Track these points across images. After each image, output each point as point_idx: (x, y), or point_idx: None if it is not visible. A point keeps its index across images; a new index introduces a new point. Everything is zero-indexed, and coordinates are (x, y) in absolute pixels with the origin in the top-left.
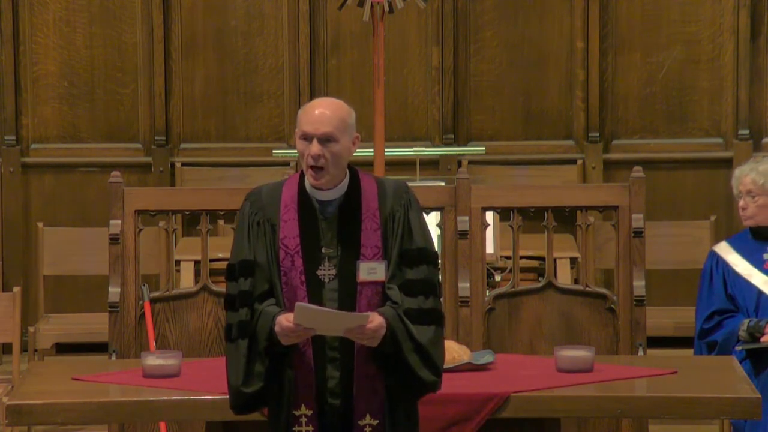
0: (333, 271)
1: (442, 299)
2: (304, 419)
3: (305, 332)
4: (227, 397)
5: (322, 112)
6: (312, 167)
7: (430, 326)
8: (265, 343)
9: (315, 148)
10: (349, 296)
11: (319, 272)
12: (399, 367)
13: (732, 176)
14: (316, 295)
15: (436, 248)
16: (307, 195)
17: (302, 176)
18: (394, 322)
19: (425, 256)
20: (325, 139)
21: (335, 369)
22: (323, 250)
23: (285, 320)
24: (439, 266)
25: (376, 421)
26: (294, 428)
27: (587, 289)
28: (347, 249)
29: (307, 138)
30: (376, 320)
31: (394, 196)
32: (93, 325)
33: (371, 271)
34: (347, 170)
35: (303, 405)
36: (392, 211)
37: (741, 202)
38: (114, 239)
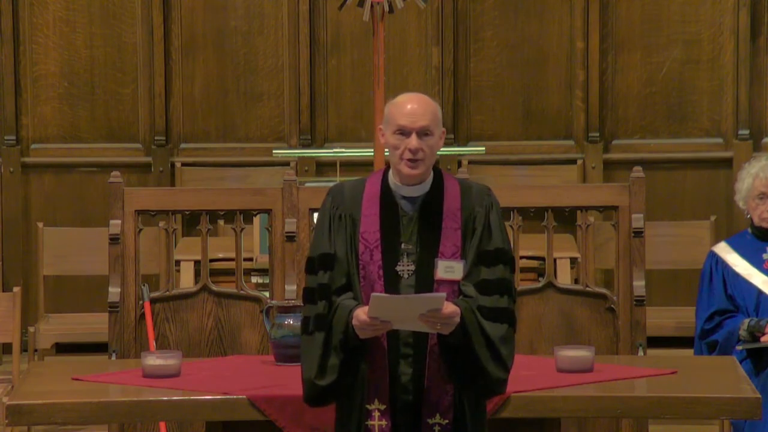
0: (411, 267)
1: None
2: (377, 413)
3: (382, 326)
4: (227, 397)
5: (418, 105)
6: (409, 159)
7: (503, 324)
8: (341, 336)
9: (414, 141)
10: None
11: (398, 267)
12: (468, 362)
13: (744, 177)
14: (392, 290)
15: None
16: (390, 191)
17: (386, 173)
18: (467, 314)
19: (502, 256)
20: (423, 133)
21: (408, 365)
22: (402, 246)
23: (363, 314)
24: (515, 269)
25: (446, 421)
26: (367, 422)
27: (587, 289)
28: (426, 246)
29: (404, 132)
30: (450, 307)
31: (477, 198)
32: (93, 325)
33: (449, 269)
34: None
35: (376, 399)
36: (473, 212)
37: None
38: (114, 239)
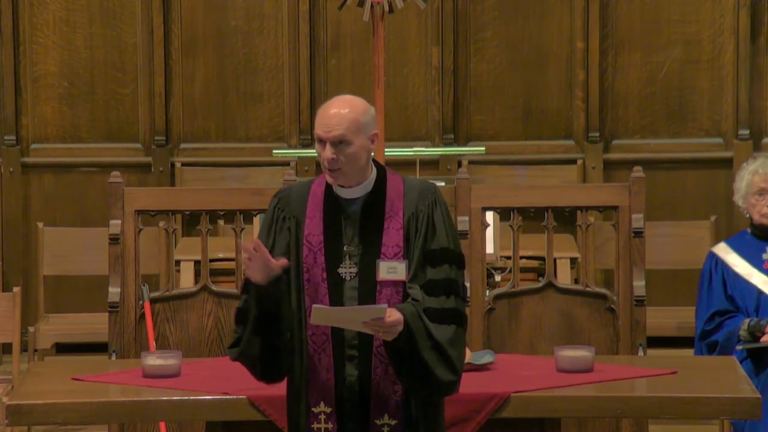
0: (354, 269)
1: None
2: (323, 416)
3: (258, 256)
4: (227, 397)
5: (336, 113)
6: (329, 169)
7: (450, 326)
8: (255, 307)
9: (328, 151)
10: (369, 295)
11: (340, 270)
12: (415, 365)
13: (743, 175)
14: (336, 293)
15: None
16: (333, 193)
17: None
18: (412, 319)
19: (448, 256)
20: (338, 142)
21: (354, 368)
22: (345, 248)
23: (248, 243)
24: (464, 267)
25: (395, 422)
26: (313, 425)
27: (587, 289)
28: (368, 247)
29: (321, 141)
30: (393, 315)
31: (420, 196)
32: (93, 325)
33: (391, 270)
34: (374, 168)
35: (322, 402)
36: (416, 211)
37: None
38: (114, 239)
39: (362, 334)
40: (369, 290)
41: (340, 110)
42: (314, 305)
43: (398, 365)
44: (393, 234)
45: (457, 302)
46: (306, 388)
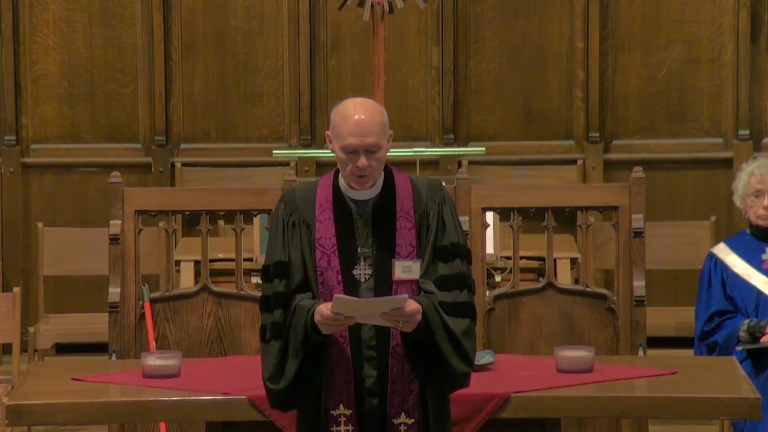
0: (369, 271)
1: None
2: (342, 419)
3: (346, 320)
4: (227, 397)
5: (364, 119)
6: (358, 175)
7: (464, 319)
8: (300, 336)
9: (363, 160)
10: (385, 295)
11: (355, 272)
12: (432, 357)
13: (741, 176)
14: (352, 295)
15: None
16: (342, 195)
17: (336, 176)
18: (429, 311)
19: (458, 251)
20: (371, 150)
21: (372, 368)
22: (359, 250)
23: (326, 309)
24: (471, 261)
25: (412, 420)
26: (332, 428)
27: (587, 289)
28: (382, 248)
29: (353, 150)
30: (412, 305)
31: (428, 195)
32: (93, 325)
33: (406, 269)
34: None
35: (341, 405)
36: (426, 209)
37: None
38: (114, 239)
39: (379, 333)
40: (385, 291)
41: (367, 116)
42: (336, 295)
43: (415, 358)
44: (406, 233)
45: (469, 296)
46: (324, 392)
